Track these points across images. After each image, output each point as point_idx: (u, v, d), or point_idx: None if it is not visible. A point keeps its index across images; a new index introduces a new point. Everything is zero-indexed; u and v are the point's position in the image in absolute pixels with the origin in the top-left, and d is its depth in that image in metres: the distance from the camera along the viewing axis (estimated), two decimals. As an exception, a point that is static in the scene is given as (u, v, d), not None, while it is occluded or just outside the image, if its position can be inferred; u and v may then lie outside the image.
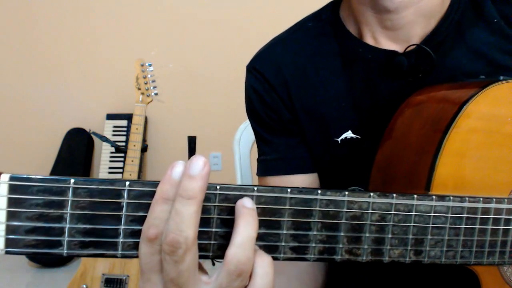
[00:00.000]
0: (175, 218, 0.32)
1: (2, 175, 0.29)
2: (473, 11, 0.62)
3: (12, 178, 0.30)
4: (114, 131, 2.50)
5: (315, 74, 0.65)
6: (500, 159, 0.49)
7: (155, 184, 0.34)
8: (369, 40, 0.63)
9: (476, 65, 0.59)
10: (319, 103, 0.65)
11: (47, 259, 2.32)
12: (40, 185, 0.30)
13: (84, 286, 1.76)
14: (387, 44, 0.62)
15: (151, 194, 0.33)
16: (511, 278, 0.50)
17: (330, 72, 0.65)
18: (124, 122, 2.51)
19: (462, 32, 0.61)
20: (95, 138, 2.55)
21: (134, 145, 1.89)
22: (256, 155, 0.75)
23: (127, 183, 0.32)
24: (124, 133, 2.48)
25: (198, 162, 0.32)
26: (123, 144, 2.41)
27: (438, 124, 0.49)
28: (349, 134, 0.63)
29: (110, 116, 2.53)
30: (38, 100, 2.63)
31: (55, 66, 2.62)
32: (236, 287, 0.34)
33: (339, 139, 0.64)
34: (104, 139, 2.06)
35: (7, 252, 0.30)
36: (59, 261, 2.34)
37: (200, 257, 0.35)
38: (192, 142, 1.99)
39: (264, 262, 0.35)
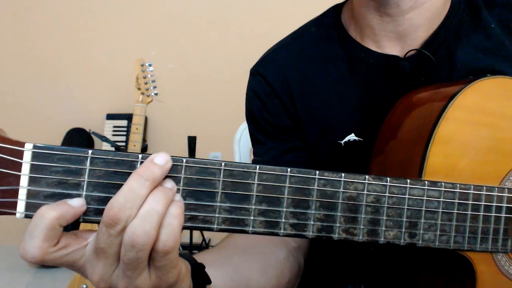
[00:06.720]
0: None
1: (26, 144, 0.32)
2: (470, 16, 0.64)
3: (35, 147, 0.33)
4: (114, 131, 2.51)
5: (318, 78, 0.67)
6: (488, 150, 0.51)
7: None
8: (370, 44, 0.65)
9: (472, 69, 0.61)
10: (322, 106, 0.66)
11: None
12: (61, 153, 0.33)
13: (84, 286, 1.76)
14: (389, 47, 0.64)
15: None
16: (505, 267, 0.51)
17: (333, 76, 0.66)
18: (124, 122, 2.51)
19: (459, 36, 0.63)
20: (95, 138, 2.56)
21: (134, 145, 1.90)
22: (255, 155, 0.76)
23: (140, 156, 0.35)
24: (124, 133, 2.49)
25: (165, 156, 0.35)
26: (123, 144, 2.43)
27: (429, 116, 0.51)
28: (352, 137, 0.64)
29: (110, 116, 2.54)
30: (38, 100, 2.65)
31: (55, 66, 2.63)
32: (131, 258, 0.34)
33: (342, 142, 0.65)
34: (104, 139, 2.07)
35: (26, 216, 0.33)
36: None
37: (205, 229, 0.37)
38: (192, 142, 2.01)
39: None
